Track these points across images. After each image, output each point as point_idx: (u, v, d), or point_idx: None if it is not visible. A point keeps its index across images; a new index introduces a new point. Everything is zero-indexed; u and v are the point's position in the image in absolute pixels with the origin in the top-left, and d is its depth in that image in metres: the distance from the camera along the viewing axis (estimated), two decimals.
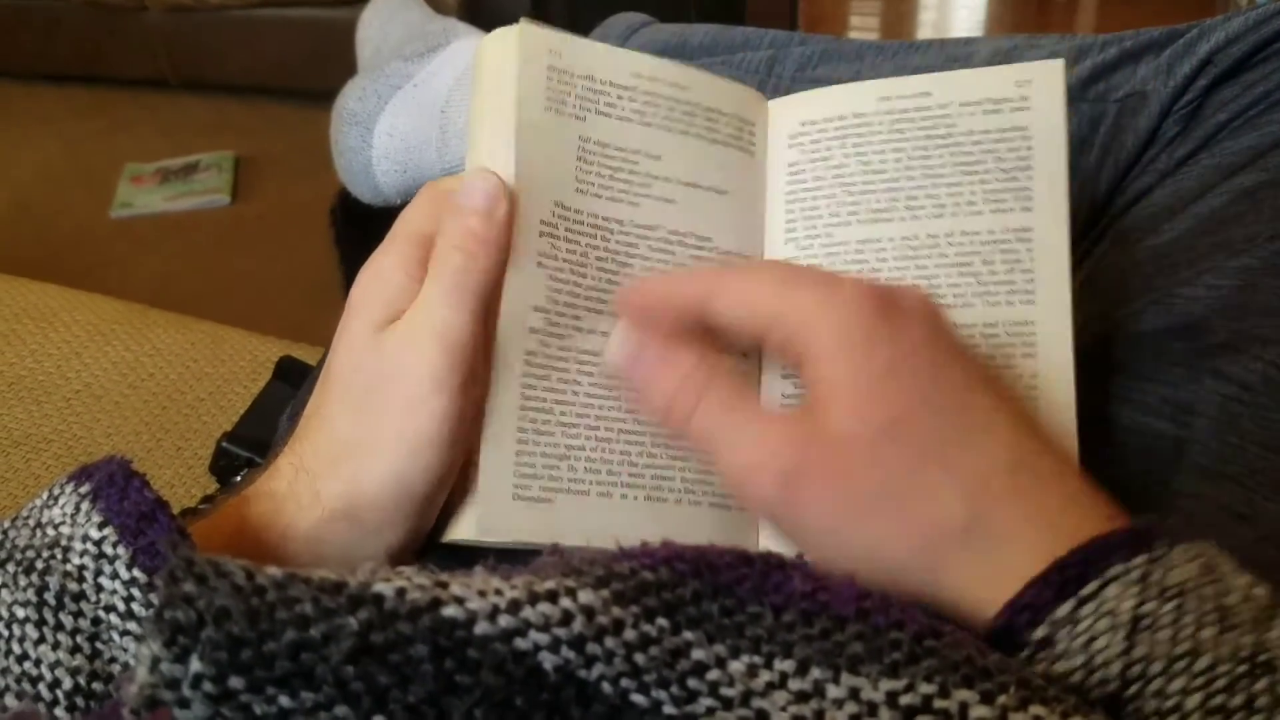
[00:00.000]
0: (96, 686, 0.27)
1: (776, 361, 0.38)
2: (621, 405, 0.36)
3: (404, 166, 0.69)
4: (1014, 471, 0.27)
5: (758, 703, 0.22)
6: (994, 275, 0.36)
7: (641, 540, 0.25)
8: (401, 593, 0.21)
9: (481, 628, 0.21)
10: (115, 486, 0.30)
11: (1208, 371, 0.38)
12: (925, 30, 2.85)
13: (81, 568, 0.28)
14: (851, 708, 0.21)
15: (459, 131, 0.66)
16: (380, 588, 0.21)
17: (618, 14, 0.66)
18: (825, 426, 0.28)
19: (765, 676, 0.22)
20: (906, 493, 0.27)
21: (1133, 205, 0.47)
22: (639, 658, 0.22)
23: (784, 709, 0.21)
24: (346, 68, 0.75)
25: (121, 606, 0.28)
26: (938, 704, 0.21)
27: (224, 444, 0.60)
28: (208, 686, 0.19)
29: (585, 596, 0.22)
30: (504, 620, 0.21)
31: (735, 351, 0.38)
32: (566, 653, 0.21)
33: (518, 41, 0.37)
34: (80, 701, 0.27)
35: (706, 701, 0.22)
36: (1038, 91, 0.37)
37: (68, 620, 0.27)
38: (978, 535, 0.27)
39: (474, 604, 0.21)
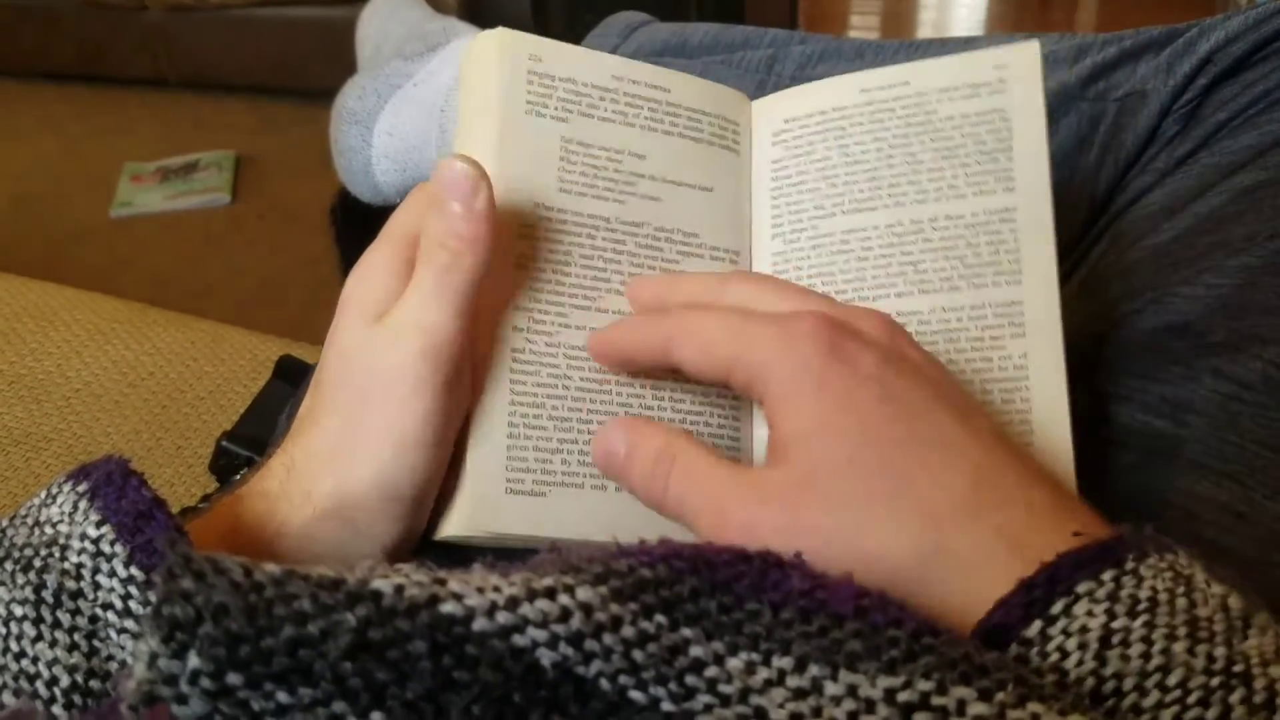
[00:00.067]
0: (94, 684, 0.27)
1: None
2: (615, 399, 0.36)
3: (403, 165, 0.69)
4: (976, 491, 0.27)
5: (755, 700, 0.22)
6: (979, 258, 0.36)
7: (638, 535, 0.25)
8: (399, 589, 0.21)
9: (479, 624, 0.21)
10: (113, 485, 0.30)
11: (1207, 370, 0.38)
12: (926, 29, 2.85)
13: (79, 566, 0.28)
14: (849, 705, 0.21)
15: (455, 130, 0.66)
16: (378, 584, 0.21)
17: (617, 13, 0.66)
18: (784, 475, 0.28)
19: (763, 673, 0.22)
20: (862, 530, 0.27)
21: (1132, 204, 0.47)
22: (637, 654, 0.22)
23: (782, 706, 0.21)
24: (346, 67, 0.75)
25: (119, 604, 0.28)
26: (935, 701, 0.21)
27: (224, 443, 0.60)
28: (205, 683, 0.19)
29: (583, 593, 0.22)
30: (502, 617, 0.21)
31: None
32: (564, 649, 0.21)
33: (497, 48, 0.37)
34: (78, 699, 0.27)
35: (704, 699, 0.22)
36: (1015, 74, 0.37)
37: (65, 618, 0.27)
38: (937, 565, 0.26)
39: (472, 600, 0.21)
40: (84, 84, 2.48)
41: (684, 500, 0.30)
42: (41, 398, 0.68)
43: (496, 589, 0.21)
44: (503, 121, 0.37)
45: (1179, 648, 0.23)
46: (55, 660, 0.27)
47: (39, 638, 0.27)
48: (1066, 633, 0.24)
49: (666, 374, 0.37)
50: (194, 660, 0.19)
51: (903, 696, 0.21)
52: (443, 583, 0.21)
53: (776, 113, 0.41)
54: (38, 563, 0.28)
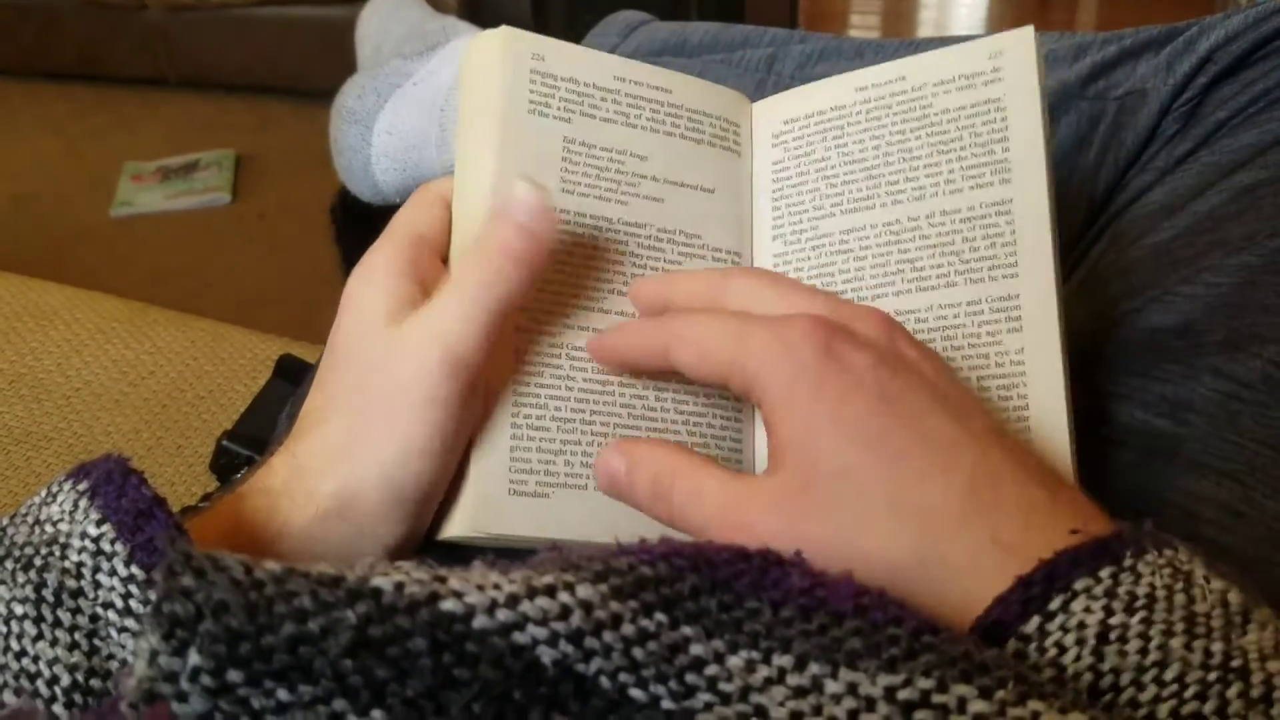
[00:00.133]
0: (95, 683, 0.27)
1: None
2: (618, 401, 0.36)
3: (403, 165, 0.69)
4: (971, 495, 0.27)
5: (756, 698, 0.22)
6: (975, 252, 0.36)
7: (639, 535, 0.25)
8: (400, 587, 0.21)
9: (480, 622, 0.21)
10: (113, 484, 0.30)
11: (1207, 369, 0.38)
12: (926, 28, 2.85)
13: (80, 564, 0.28)
14: (849, 703, 0.21)
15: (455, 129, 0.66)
16: (378, 582, 0.21)
17: (617, 12, 0.66)
18: (782, 482, 0.28)
19: (763, 672, 0.22)
20: (859, 536, 0.27)
21: (1132, 203, 0.47)
22: (637, 652, 0.22)
23: (782, 704, 0.21)
24: (346, 66, 0.75)
25: (119, 603, 0.28)
26: (936, 699, 0.21)
27: (224, 442, 0.60)
28: (206, 680, 0.19)
29: (583, 591, 0.22)
30: (502, 614, 0.21)
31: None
32: (565, 647, 0.21)
33: (500, 47, 0.37)
34: (78, 698, 0.27)
35: (705, 697, 0.22)
36: (1010, 61, 0.37)
37: (66, 617, 0.27)
38: (933, 570, 0.27)
39: (472, 598, 0.21)
40: (84, 83, 2.48)
41: (688, 515, 0.30)
42: (42, 396, 0.68)
43: (497, 586, 0.21)
44: (504, 121, 0.37)
45: (1176, 643, 0.23)
46: (56, 659, 0.27)
47: (39, 637, 0.27)
48: (1064, 629, 0.24)
49: (669, 376, 0.37)
50: (194, 657, 0.19)
51: (903, 694, 0.21)
52: (443, 580, 0.21)
53: (776, 114, 0.41)
54: (38, 561, 0.28)
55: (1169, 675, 0.23)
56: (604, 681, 0.21)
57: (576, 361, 0.36)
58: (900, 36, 0.58)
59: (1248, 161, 0.43)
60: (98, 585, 0.28)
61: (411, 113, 0.68)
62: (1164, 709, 0.23)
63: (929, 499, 0.27)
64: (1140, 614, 0.24)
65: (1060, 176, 0.36)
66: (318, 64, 1.96)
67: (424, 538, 0.35)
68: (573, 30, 0.63)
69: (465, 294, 0.33)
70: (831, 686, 0.22)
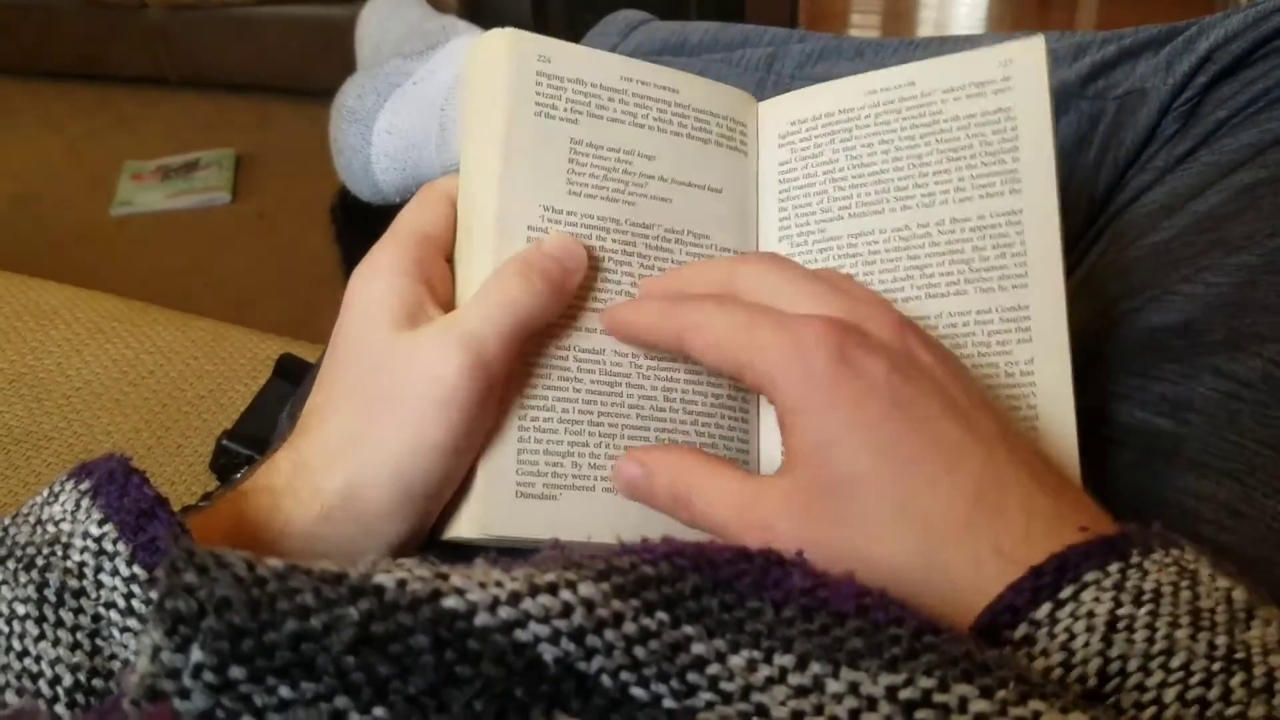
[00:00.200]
0: (97, 683, 0.27)
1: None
2: (625, 402, 0.36)
3: (403, 164, 0.69)
4: (976, 504, 0.28)
5: (757, 697, 0.22)
6: (985, 261, 0.36)
7: (643, 536, 0.25)
8: (402, 584, 0.21)
9: (482, 619, 0.21)
10: (115, 483, 0.30)
11: (1207, 368, 0.38)
12: (926, 28, 2.85)
13: (81, 564, 0.28)
14: (851, 702, 0.21)
15: (458, 129, 0.66)
16: (381, 579, 0.21)
17: (616, 11, 0.66)
18: (796, 486, 0.29)
19: (765, 671, 0.22)
20: (867, 542, 0.28)
21: (1132, 202, 0.47)
22: (639, 651, 0.22)
23: (783, 703, 0.22)
24: (346, 65, 0.75)
25: (121, 603, 0.28)
26: (937, 698, 0.21)
27: (224, 441, 0.60)
28: (208, 676, 0.19)
29: (585, 589, 0.22)
30: (504, 612, 0.21)
31: None
32: (566, 645, 0.21)
33: (506, 49, 0.37)
34: (80, 698, 0.27)
35: (706, 696, 0.22)
36: (1020, 70, 0.37)
37: (68, 617, 0.27)
38: (936, 575, 0.27)
39: (474, 595, 0.21)
40: (84, 83, 2.48)
41: (708, 517, 0.31)
42: (42, 396, 0.68)
43: (499, 584, 0.22)
44: (509, 123, 0.37)
45: (1182, 634, 0.24)
46: (58, 659, 0.27)
47: (41, 636, 0.27)
48: (1075, 616, 0.25)
49: (680, 357, 0.37)
50: (197, 654, 0.19)
51: (904, 694, 0.21)
52: (445, 577, 0.21)
53: (783, 114, 0.41)
54: (40, 561, 0.28)
55: (1175, 663, 0.24)
56: (605, 680, 0.21)
57: (584, 363, 0.36)
58: (901, 36, 0.58)
59: (1247, 161, 0.43)
60: (99, 585, 0.28)
61: (411, 112, 0.68)
62: (1170, 693, 0.23)
63: (935, 505, 0.28)
64: (1147, 606, 0.25)
65: (1060, 176, 0.37)
66: (318, 63, 1.96)
67: (427, 537, 0.35)
68: (573, 29, 0.63)
69: (493, 303, 0.33)
70: (833, 686, 0.22)
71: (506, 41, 0.37)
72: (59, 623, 0.27)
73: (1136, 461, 0.37)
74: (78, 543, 0.28)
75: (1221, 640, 0.24)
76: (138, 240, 1.97)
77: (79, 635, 0.27)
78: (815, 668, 0.22)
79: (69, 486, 0.30)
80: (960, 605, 0.26)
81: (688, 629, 0.23)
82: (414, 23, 0.72)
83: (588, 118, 0.38)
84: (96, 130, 2.34)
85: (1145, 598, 0.25)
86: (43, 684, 0.27)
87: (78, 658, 0.27)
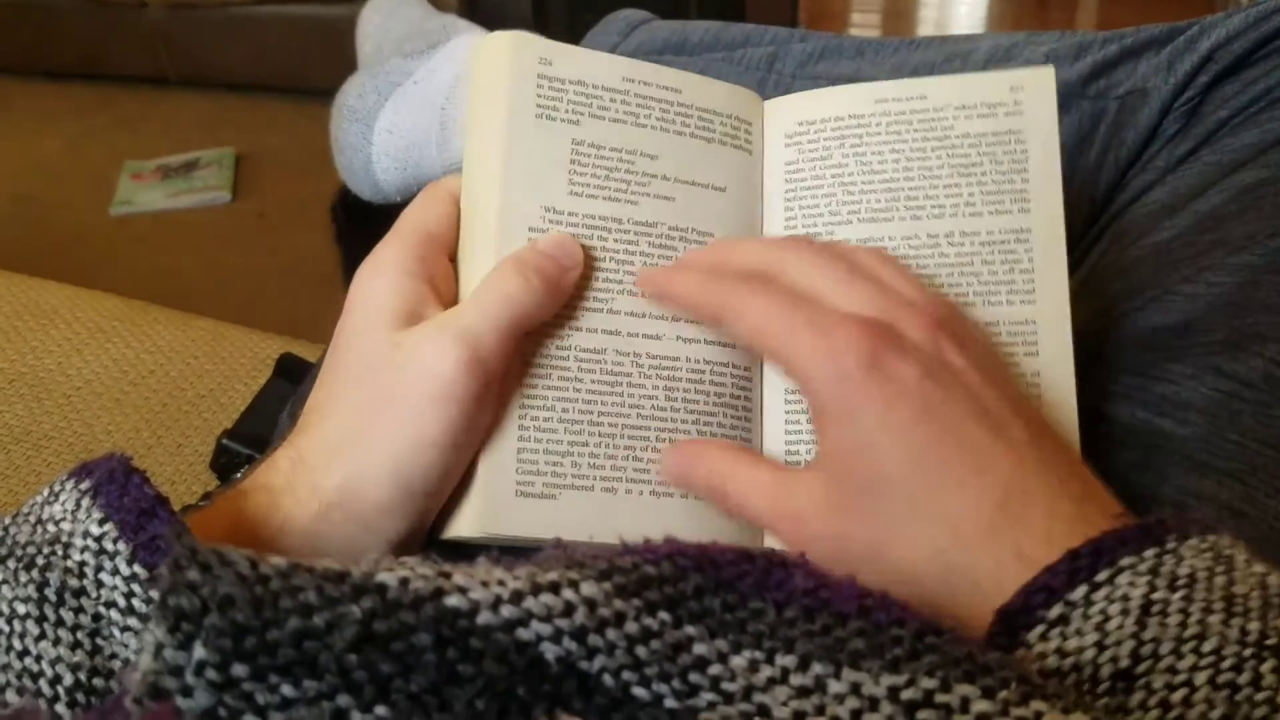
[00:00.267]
0: (97, 682, 0.27)
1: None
2: (626, 402, 0.36)
3: (404, 163, 0.69)
4: (1001, 510, 0.28)
5: (759, 697, 0.22)
6: (994, 275, 0.37)
7: (645, 536, 0.25)
8: (405, 582, 0.21)
9: (484, 617, 0.21)
10: (115, 483, 0.30)
11: (1208, 369, 0.38)
12: (926, 27, 2.85)
13: (82, 564, 0.28)
14: (853, 702, 0.22)
15: (459, 128, 0.66)
16: (383, 577, 0.21)
17: (617, 11, 0.66)
18: (827, 484, 0.30)
19: (767, 671, 0.22)
20: (893, 544, 0.29)
21: (1133, 202, 0.47)
22: (640, 650, 0.22)
23: (785, 703, 0.22)
24: (347, 64, 0.75)
25: (122, 602, 0.28)
26: (939, 698, 0.21)
27: (224, 441, 0.60)
28: (211, 674, 0.19)
29: (588, 588, 0.22)
30: (506, 610, 0.21)
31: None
32: (568, 644, 0.21)
33: (508, 52, 0.38)
34: (81, 698, 0.27)
35: (708, 696, 0.22)
36: (1030, 96, 0.38)
37: (68, 616, 0.27)
38: (958, 578, 0.28)
39: (477, 594, 0.21)
40: (84, 82, 2.48)
41: (745, 508, 0.33)
42: (42, 395, 0.68)
43: (501, 583, 0.22)
44: (510, 125, 0.37)
45: (1215, 620, 0.25)
46: (58, 659, 0.27)
47: (42, 636, 0.27)
48: (1110, 599, 0.25)
49: (679, 358, 0.37)
50: (199, 651, 0.19)
51: (906, 694, 0.21)
52: (447, 576, 0.21)
53: (790, 114, 0.41)
54: (40, 561, 0.28)
55: (1207, 648, 0.24)
56: (607, 679, 0.21)
57: (585, 363, 0.36)
58: (901, 35, 0.58)
59: (1249, 160, 0.43)
60: (100, 584, 0.28)
61: (412, 111, 0.68)
62: (1201, 677, 0.24)
63: (961, 509, 0.28)
64: (1181, 591, 0.25)
65: (1061, 176, 0.37)
66: (318, 63, 1.95)
67: (428, 537, 0.35)
68: (573, 29, 0.63)
69: (490, 299, 0.34)
70: (835, 686, 0.22)
71: (508, 44, 0.38)
72: (59, 622, 0.27)
73: (1138, 461, 0.37)
74: (78, 542, 0.28)
75: (1254, 626, 0.24)
76: (138, 240, 1.97)
77: (79, 635, 0.27)
78: (817, 668, 0.22)
79: (69, 486, 0.30)
80: (982, 607, 0.27)
81: (690, 629, 0.23)
82: (415, 22, 0.72)
83: (590, 119, 0.38)
84: (96, 130, 2.34)
85: (1180, 583, 0.25)
86: (43, 683, 0.27)
87: (78, 657, 0.27)
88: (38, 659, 0.27)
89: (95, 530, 0.28)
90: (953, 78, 0.39)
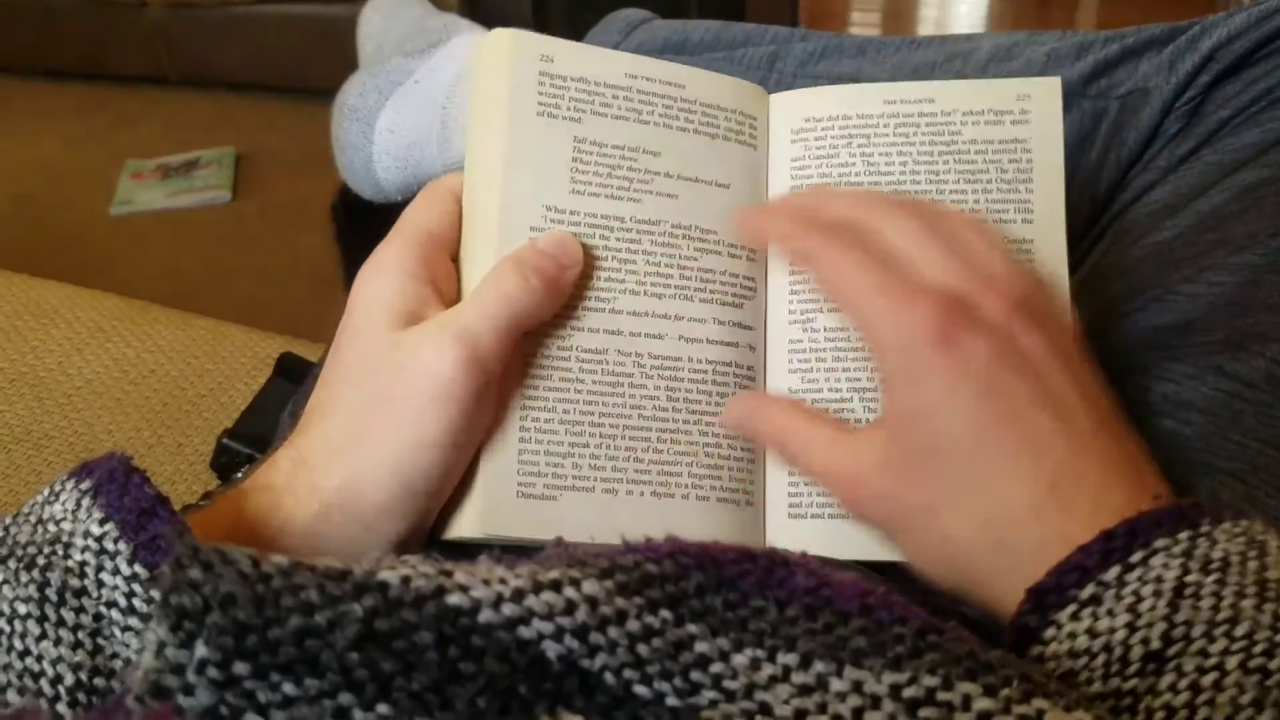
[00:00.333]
0: (98, 682, 0.27)
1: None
2: (627, 402, 0.36)
3: (405, 163, 0.69)
4: (1051, 495, 0.29)
5: (761, 695, 0.22)
6: None
7: (646, 536, 0.25)
8: (406, 580, 0.21)
9: (486, 615, 0.21)
10: (116, 483, 0.30)
11: (1209, 368, 0.38)
12: (927, 27, 2.85)
13: (83, 564, 0.28)
14: (854, 700, 0.22)
15: (460, 128, 0.66)
16: (385, 575, 0.21)
17: (618, 10, 0.66)
18: (887, 447, 0.31)
19: (768, 670, 0.22)
20: (942, 514, 0.30)
21: (1134, 202, 0.47)
22: (642, 649, 0.22)
23: (787, 702, 0.22)
24: (347, 64, 0.75)
25: (123, 602, 0.28)
26: (941, 696, 0.21)
27: (225, 440, 0.60)
28: (213, 672, 0.19)
29: (589, 587, 0.22)
30: (508, 608, 0.21)
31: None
32: (570, 642, 0.21)
33: (509, 49, 0.37)
34: (82, 697, 0.27)
35: (709, 694, 0.22)
36: (1036, 106, 0.39)
37: (69, 616, 0.27)
38: (1003, 556, 0.29)
39: (478, 592, 0.21)
40: (85, 81, 2.48)
41: (800, 463, 0.34)
42: (42, 395, 0.68)
43: (502, 581, 0.22)
44: (511, 124, 0.37)
45: (1248, 604, 0.25)
46: (59, 658, 0.27)
47: (43, 636, 0.27)
48: (1143, 580, 0.26)
49: (680, 356, 0.37)
50: (201, 649, 0.19)
51: (908, 692, 0.21)
52: (449, 574, 0.21)
53: (797, 110, 0.41)
54: (41, 561, 0.28)
55: (1239, 631, 0.24)
56: (609, 677, 0.21)
57: (586, 364, 0.36)
58: (901, 35, 0.58)
59: (1250, 160, 0.43)
60: (101, 584, 0.28)
61: (413, 110, 0.68)
62: (1232, 661, 0.24)
63: (1010, 490, 0.29)
64: (1215, 575, 0.25)
65: (1064, 186, 0.38)
66: (319, 62, 1.95)
67: (428, 537, 0.35)
68: (574, 28, 0.63)
69: (489, 298, 0.34)
70: (836, 684, 0.22)
71: (509, 42, 0.38)
72: (60, 622, 0.27)
73: None
74: (79, 542, 0.28)
75: None
76: (138, 239, 1.97)
77: (80, 634, 0.27)
78: (819, 666, 0.22)
79: (70, 486, 0.30)
80: (1023, 585, 0.27)
81: (691, 627, 0.23)
82: (415, 21, 0.72)
83: (591, 116, 0.38)
84: (96, 129, 2.34)
85: (1213, 566, 0.26)
86: (44, 683, 0.27)
87: (79, 657, 0.27)
88: (39, 659, 0.27)
89: (96, 530, 0.28)
90: (961, 83, 0.40)
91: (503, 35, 0.38)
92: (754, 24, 0.60)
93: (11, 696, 0.27)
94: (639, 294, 0.37)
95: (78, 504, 0.29)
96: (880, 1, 3.04)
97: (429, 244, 0.36)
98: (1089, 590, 0.26)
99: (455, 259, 0.37)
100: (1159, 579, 0.26)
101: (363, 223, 0.77)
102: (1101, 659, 0.25)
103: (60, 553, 0.28)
